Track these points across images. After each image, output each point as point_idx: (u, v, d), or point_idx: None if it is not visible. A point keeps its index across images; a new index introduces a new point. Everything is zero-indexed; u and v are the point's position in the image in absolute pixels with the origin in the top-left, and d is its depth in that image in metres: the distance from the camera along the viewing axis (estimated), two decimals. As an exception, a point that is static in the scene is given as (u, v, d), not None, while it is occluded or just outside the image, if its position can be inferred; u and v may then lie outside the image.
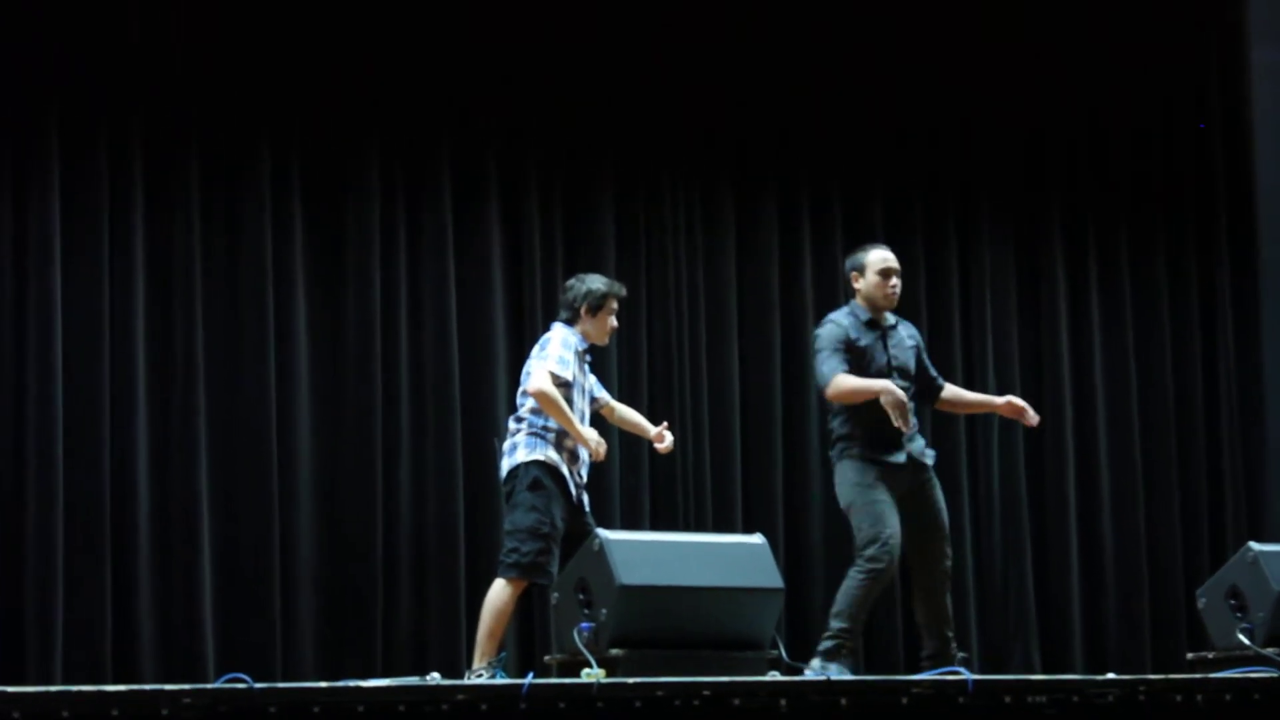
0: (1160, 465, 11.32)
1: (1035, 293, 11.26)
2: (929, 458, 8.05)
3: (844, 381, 7.88)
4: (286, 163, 9.55)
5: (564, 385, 7.82)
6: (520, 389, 7.96)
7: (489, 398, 9.76)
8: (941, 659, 7.77)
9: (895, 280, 8.11)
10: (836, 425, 8.03)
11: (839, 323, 8.06)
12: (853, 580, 7.81)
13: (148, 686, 5.83)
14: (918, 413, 8.13)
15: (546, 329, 8.10)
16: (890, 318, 8.14)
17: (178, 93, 9.32)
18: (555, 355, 7.84)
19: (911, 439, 7.97)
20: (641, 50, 10.37)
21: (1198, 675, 7.63)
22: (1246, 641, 7.95)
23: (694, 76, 10.44)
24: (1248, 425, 11.45)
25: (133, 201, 9.20)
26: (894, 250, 10.71)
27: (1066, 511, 11.08)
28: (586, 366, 8.02)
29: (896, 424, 7.75)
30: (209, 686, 5.85)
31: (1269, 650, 7.83)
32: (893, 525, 7.81)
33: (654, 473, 10.12)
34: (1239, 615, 8.11)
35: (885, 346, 8.06)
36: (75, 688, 5.64)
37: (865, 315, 8.08)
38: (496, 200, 9.99)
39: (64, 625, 8.80)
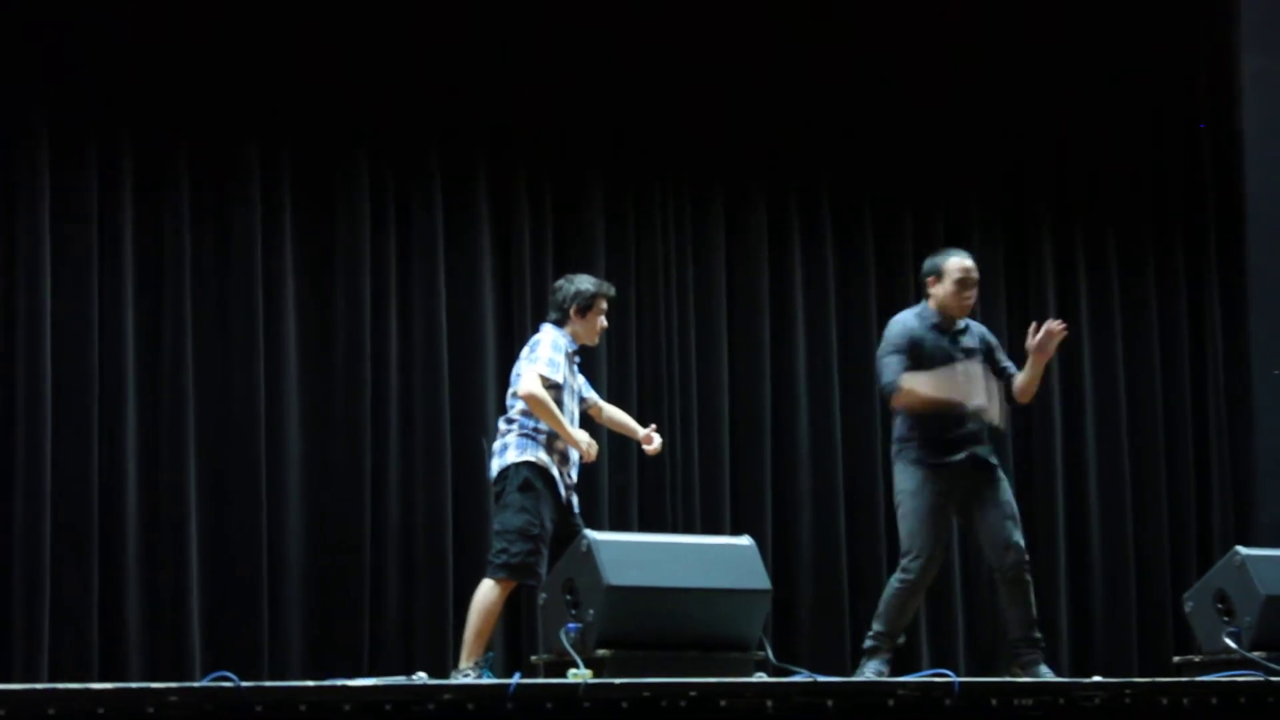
0: (1148, 469, 11.33)
1: (1024, 298, 11.27)
2: (992, 456, 8.08)
3: (919, 390, 7.86)
4: (276, 164, 9.54)
5: (554, 387, 7.82)
6: (510, 390, 7.96)
7: (478, 398, 9.76)
8: (1023, 646, 7.95)
9: (970, 292, 8.14)
10: (896, 424, 8.09)
11: (906, 322, 8.09)
12: (890, 587, 8.02)
13: (134, 685, 5.83)
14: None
15: (535, 330, 8.10)
16: (960, 321, 8.15)
17: (167, 95, 9.32)
18: (545, 357, 7.84)
19: (978, 438, 8.02)
20: (632, 52, 10.37)
21: (1184, 679, 7.65)
22: (1233, 645, 7.95)
23: (684, 79, 10.44)
24: (1235, 430, 11.46)
25: (122, 203, 9.20)
26: (883, 253, 10.82)
27: (1054, 515, 11.09)
28: (575, 367, 8.03)
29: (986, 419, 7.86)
30: (195, 685, 5.85)
31: (1255, 654, 7.83)
32: (928, 542, 7.91)
33: (642, 474, 10.12)
34: (1226, 619, 8.12)
35: (955, 350, 8.07)
36: (61, 685, 5.64)
37: (935, 318, 8.10)
38: (486, 201, 9.99)
39: (50, 623, 8.79)
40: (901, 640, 8.10)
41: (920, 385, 7.88)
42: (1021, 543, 8.04)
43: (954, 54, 11.06)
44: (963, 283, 8.10)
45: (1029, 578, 8.06)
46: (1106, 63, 11.41)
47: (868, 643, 8.00)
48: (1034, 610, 8.08)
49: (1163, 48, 11.61)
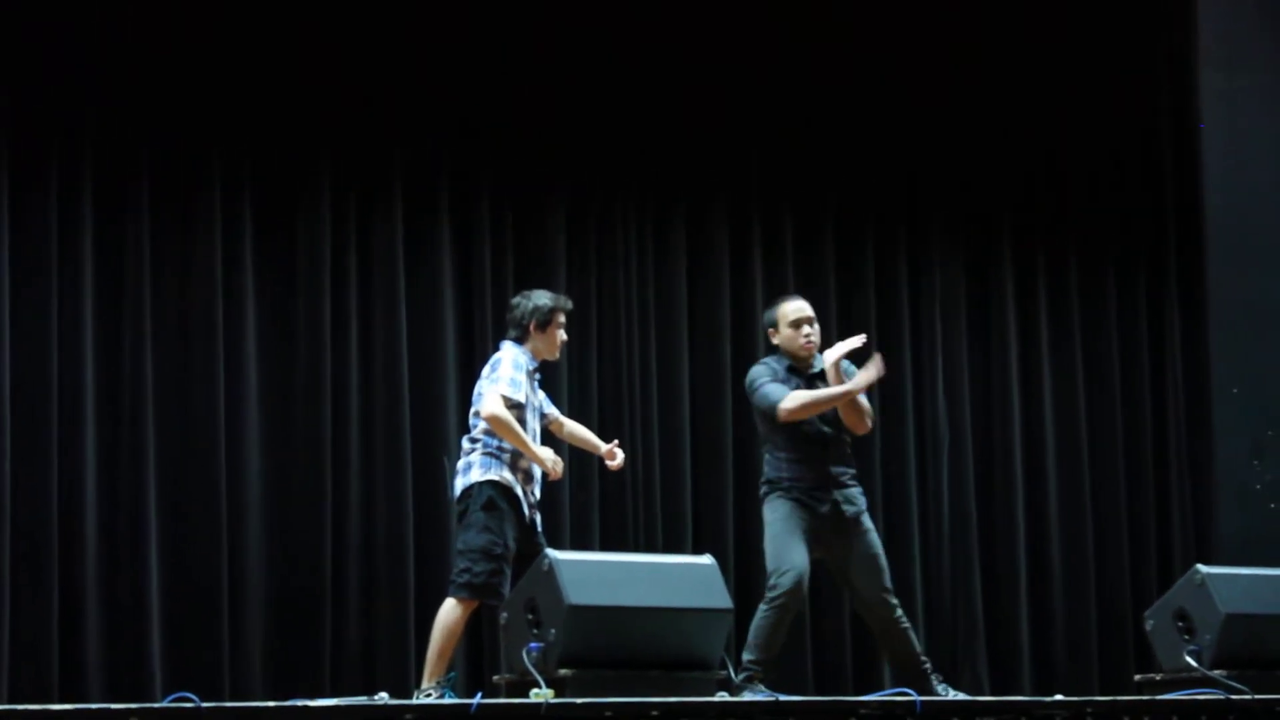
0: (1108, 487, 11.35)
1: (985, 316, 11.29)
2: (856, 507, 8.13)
3: (800, 396, 8.00)
4: (238, 182, 9.52)
5: (516, 406, 7.81)
6: (472, 410, 7.95)
7: (439, 417, 9.75)
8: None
9: (808, 329, 8.22)
10: (766, 467, 8.20)
11: (766, 363, 8.25)
12: (759, 613, 8.00)
13: (94, 705, 5.80)
14: (844, 455, 8.21)
15: (496, 348, 8.09)
16: (817, 363, 8.22)
17: (129, 111, 9.29)
18: (506, 377, 7.83)
19: (840, 487, 8.11)
20: (594, 71, 10.37)
21: (1145, 697, 7.68)
22: (1194, 664, 7.97)
23: (647, 98, 10.45)
24: (1195, 448, 11.48)
25: (82, 219, 9.16)
26: (845, 271, 10.84)
27: (1015, 533, 11.11)
28: (536, 384, 8.02)
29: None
30: (156, 705, 5.83)
31: (1216, 672, 7.85)
32: (795, 560, 7.95)
33: (604, 491, 10.12)
34: (1186, 637, 8.13)
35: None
36: (21, 707, 5.61)
37: (786, 363, 8.22)
38: (448, 220, 9.98)
39: (10, 644, 8.74)
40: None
41: (803, 396, 8.03)
42: (890, 590, 8.10)
43: (913, 74, 11.08)
44: (797, 322, 8.22)
45: (905, 623, 8.10)
46: (1067, 82, 11.44)
47: (741, 674, 7.85)
48: (916, 644, 8.11)
49: (1123, 69, 11.65)
